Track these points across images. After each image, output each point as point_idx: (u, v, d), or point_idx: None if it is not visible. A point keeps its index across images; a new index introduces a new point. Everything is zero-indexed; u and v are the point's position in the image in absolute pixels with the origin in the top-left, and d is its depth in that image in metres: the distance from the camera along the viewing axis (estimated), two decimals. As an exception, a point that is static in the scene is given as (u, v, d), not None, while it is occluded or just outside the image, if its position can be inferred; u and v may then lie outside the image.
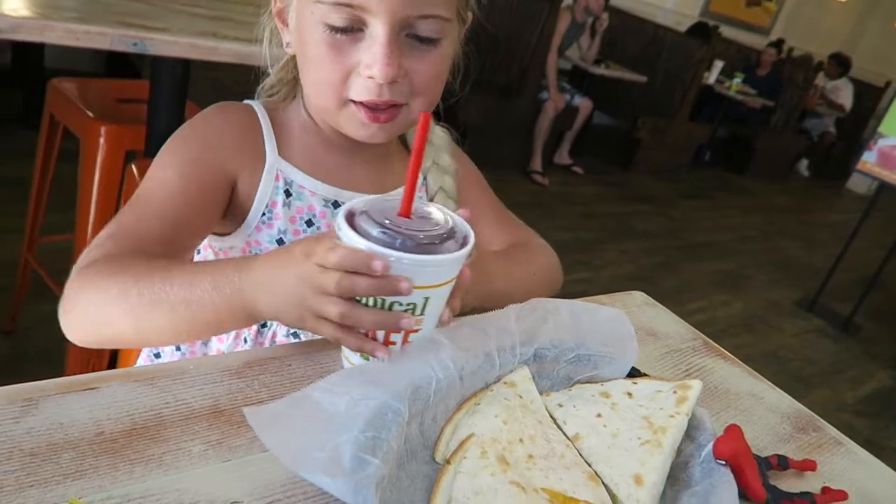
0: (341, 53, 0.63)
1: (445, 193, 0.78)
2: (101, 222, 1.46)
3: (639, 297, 0.87)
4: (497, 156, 4.04)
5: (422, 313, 0.52)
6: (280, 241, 0.73)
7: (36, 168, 1.72)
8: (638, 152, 5.09)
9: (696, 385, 0.58)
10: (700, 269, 3.79)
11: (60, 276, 1.97)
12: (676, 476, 0.53)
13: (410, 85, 0.66)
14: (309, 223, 0.74)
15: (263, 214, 0.72)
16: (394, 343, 0.52)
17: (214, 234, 0.75)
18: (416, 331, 0.53)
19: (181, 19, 1.51)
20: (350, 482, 0.40)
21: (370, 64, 0.62)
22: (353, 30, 0.63)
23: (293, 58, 0.71)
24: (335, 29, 0.63)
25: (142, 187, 0.66)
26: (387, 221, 0.50)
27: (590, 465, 0.53)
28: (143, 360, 0.82)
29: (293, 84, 0.75)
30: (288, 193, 0.73)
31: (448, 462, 0.48)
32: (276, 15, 0.71)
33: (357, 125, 0.67)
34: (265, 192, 0.72)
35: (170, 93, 1.60)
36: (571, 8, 4.23)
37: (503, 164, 4.08)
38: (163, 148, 0.69)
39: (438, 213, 0.54)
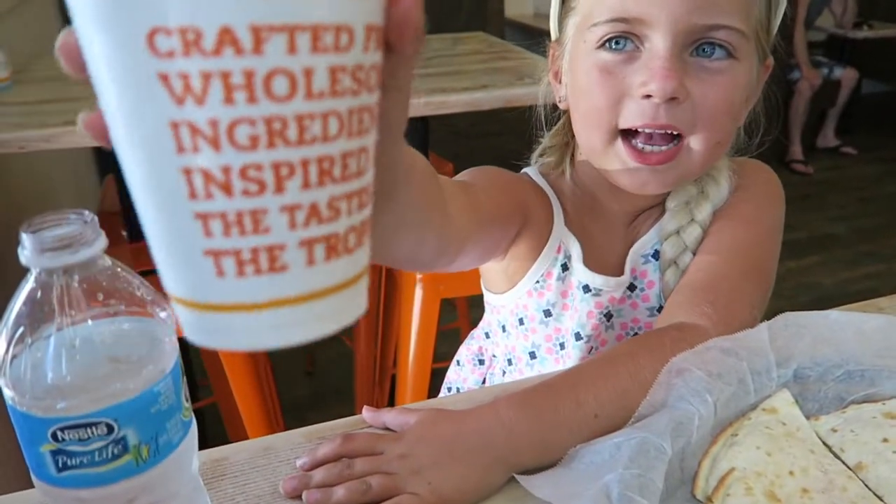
0: (614, 76, 0.58)
1: (682, 242, 0.67)
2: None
3: (926, 292, 0.75)
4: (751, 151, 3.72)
5: None
6: (547, 313, 0.70)
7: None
8: (926, 116, 4.32)
9: None
10: None
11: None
12: None
13: (693, 112, 0.57)
14: (586, 289, 0.69)
15: (537, 282, 0.69)
16: None
17: (489, 290, 0.75)
18: None
19: (416, 82, 1.67)
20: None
21: (646, 80, 0.55)
22: (628, 46, 0.57)
23: (567, 122, 0.68)
24: (609, 49, 0.58)
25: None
26: None
27: (881, 499, 0.47)
28: (443, 392, 0.88)
29: (564, 150, 0.71)
30: (565, 267, 0.69)
31: (710, 500, 0.47)
32: (552, 76, 0.68)
33: (627, 171, 0.60)
34: (545, 260, 0.68)
35: (415, 147, 1.77)
36: (815, -27, 3.78)
37: (759, 158, 3.74)
38: (472, 170, 0.66)
39: None
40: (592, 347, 0.71)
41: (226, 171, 0.21)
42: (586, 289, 0.69)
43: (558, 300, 0.70)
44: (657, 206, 0.70)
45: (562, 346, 0.72)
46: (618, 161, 0.60)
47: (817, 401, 0.55)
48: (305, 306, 0.23)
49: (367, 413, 0.55)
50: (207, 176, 0.21)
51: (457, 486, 0.47)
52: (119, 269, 0.33)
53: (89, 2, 0.20)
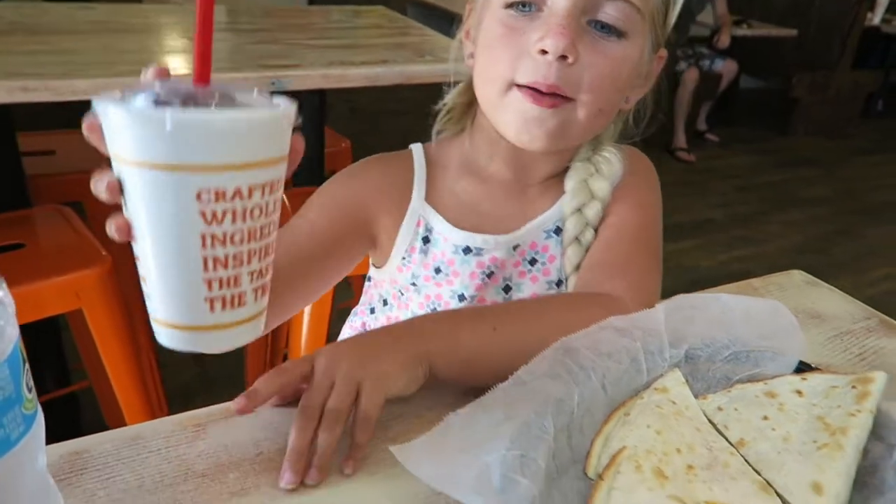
0: (515, 32, 0.62)
1: (584, 218, 0.71)
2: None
3: (797, 276, 0.80)
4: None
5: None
6: (413, 285, 0.74)
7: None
8: (796, 113, 4.67)
9: (879, 377, 0.51)
10: (885, 231, 3.39)
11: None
12: (864, 481, 0.47)
13: (580, 77, 0.61)
14: (437, 270, 0.73)
15: (403, 258, 0.73)
16: None
17: (372, 264, 0.78)
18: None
19: (313, 53, 1.60)
20: (500, 499, 0.40)
21: (542, 36, 0.59)
22: (532, 9, 0.61)
23: (471, 81, 0.70)
24: (515, 10, 0.62)
25: (290, 220, 0.70)
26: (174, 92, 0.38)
27: (759, 474, 0.49)
28: None
29: (467, 109, 0.74)
30: (426, 240, 0.72)
31: (601, 478, 0.46)
32: (464, 35, 0.71)
33: (517, 115, 0.62)
34: (405, 237, 0.72)
35: (309, 122, 1.70)
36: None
37: (645, 147, 3.90)
38: (319, 188, 0.73)
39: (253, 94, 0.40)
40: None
41: (226, 256, 0.38)
42: (467, 250, 0.71)
43: (421, 272, 0.73)
44: (554, 182, 0.73)
45: (434, 311, 0.74)
46: (511, 107, 0.63)
47: (706, 381, 0.57)
48: (249, 324, 0.41)
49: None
50: (217, 260, 0.38)
51: (385, 384, 0.51)
52: None
53: (155, 181, 0.36)
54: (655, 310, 0.56)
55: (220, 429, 0.50)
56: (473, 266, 0.71)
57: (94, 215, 1.55)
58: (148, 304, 0.40)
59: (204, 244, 0.37)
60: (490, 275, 0.72)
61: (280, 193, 0.40)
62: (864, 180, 4.08)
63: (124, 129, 0.35)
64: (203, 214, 0.36)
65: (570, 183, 0.71)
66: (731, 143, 4.43)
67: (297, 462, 0.46)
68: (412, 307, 0.75)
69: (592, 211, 0.70)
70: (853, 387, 0.52)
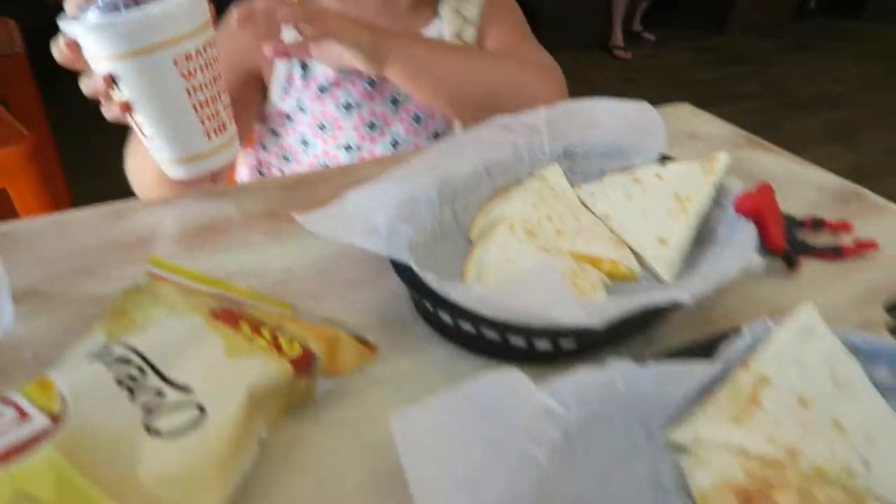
0: None
1: (462, 41, 0.81)
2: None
3: (685, 108, 0.87)
4: (575, 36, 3.88)
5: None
6: (301, 108, 0.80)
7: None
8: (732, 12, 4.72)
9: (722, 157, 0.59)
10: (809, 123, 3.54)
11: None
12: (704, 238, 0.56)
13: None
14: (322, 89, 0.79)
15: (284, 88, 0.80)
16: None
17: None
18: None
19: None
20: (384, 240, 0.47)
21: None
22: None
23: None
24: None
25: None
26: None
27: (617, 235, 0.57)
28: None
29: None
30: (305, 66, 0.79)
31: (481, 240, 0.54)
32: None
33: None
34: (282, 66, 0.79)
35: None
36: None
37: (582, 45, 3.93)
38: None
39: None
40: (362, 115, 0.81)
41: (206, 98, 0.55)
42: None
43: (304, 94, 0.80)
44: (423, 5, 0.81)
45: (322, 127, 0.81)
46: None
47: (583, 174, 0.64)
48: (234, 142, 0.59)
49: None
50: (201, 103, 0.54)
51: (348, 27, 0.64)
52: None
53: (143, 63, 0.51)
54: (537, 110, 0.63)
55: (142, 214, 0.55)
56: (353, 76, 0.78)
57: (14, 100, 1.52)
58: (159, 155, 0.55)
59: (189, 95, 0.53)
60: (372, 83, 0.79)
61: (217, 47, 0.56)
62: (793, 77, 4.20)
63: (105, 38, 0.49)
64: (182, 75, 0.52)
65: (444, 11, 0.82)
66: (669, 42, 4.47)
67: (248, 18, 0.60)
68: (301, 129, 0.81)
69: (468, 34, 0.82)
70: (702, 167, 0.59)
